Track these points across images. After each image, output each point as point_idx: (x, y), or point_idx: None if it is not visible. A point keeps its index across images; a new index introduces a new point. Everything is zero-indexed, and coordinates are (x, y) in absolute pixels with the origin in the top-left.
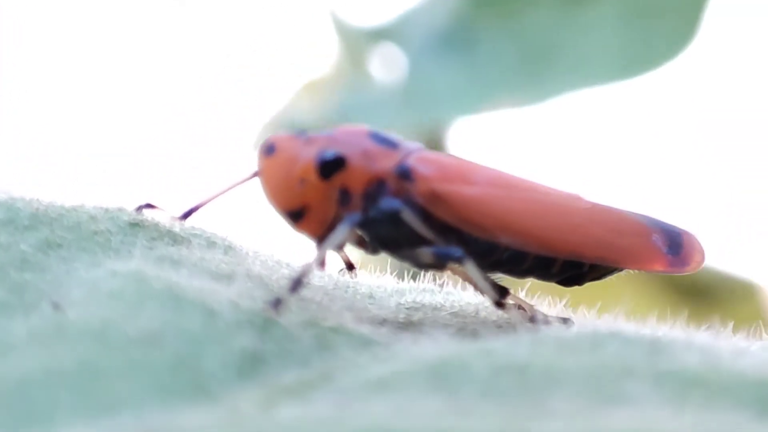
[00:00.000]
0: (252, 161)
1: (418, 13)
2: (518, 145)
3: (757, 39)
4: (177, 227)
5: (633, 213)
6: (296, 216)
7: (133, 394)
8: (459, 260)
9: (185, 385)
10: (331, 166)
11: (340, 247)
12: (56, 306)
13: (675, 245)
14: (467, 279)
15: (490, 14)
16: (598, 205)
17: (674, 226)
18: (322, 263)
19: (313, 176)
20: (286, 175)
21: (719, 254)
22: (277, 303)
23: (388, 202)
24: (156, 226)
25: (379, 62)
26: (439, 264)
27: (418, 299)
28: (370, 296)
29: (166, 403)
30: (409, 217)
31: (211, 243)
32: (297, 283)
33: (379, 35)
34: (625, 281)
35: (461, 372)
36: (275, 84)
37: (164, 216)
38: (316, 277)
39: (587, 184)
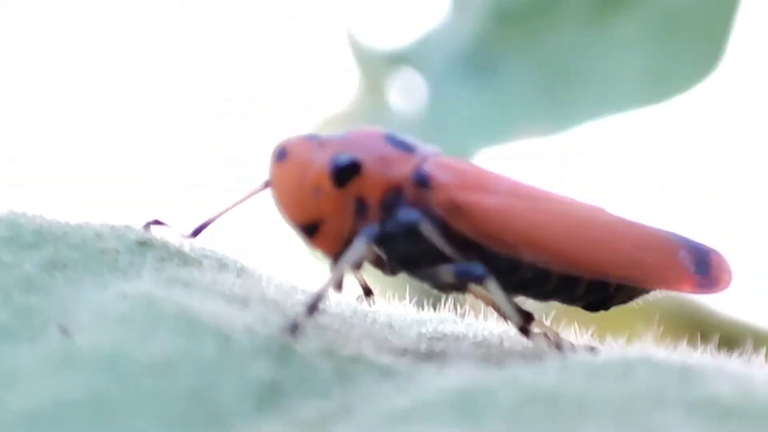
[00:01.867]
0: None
1: (438, 35)
2: (543, 177)
3: None
4: (187, 247)
5: (659, 229)
6: (311, 230)
7: (148, 427)
8: (481, 279)
9: (202, 418)
10: (346, 173)
11: (357, 267)
12: (64, 331)
13: (703, 264)
14: (490, 303)
15: (512, 36)
16: (622, 218)
17: (702, 244)
18: (339, 284)
19: (327, 184)
20: (299, 183)
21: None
22: (293, 328)
23: (405, 214)
24: (165, 245)
25: (398, 90)
26: (460, 284)
27: (439, 329)
28: (390, 325)
29: None
30: (428, 230)
31: (222, 265)
32: (314, 306)
33: (398, 60)
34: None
35: (487, 401)
36: (293, 116)
37: (173, 234)
38: (333, 304)
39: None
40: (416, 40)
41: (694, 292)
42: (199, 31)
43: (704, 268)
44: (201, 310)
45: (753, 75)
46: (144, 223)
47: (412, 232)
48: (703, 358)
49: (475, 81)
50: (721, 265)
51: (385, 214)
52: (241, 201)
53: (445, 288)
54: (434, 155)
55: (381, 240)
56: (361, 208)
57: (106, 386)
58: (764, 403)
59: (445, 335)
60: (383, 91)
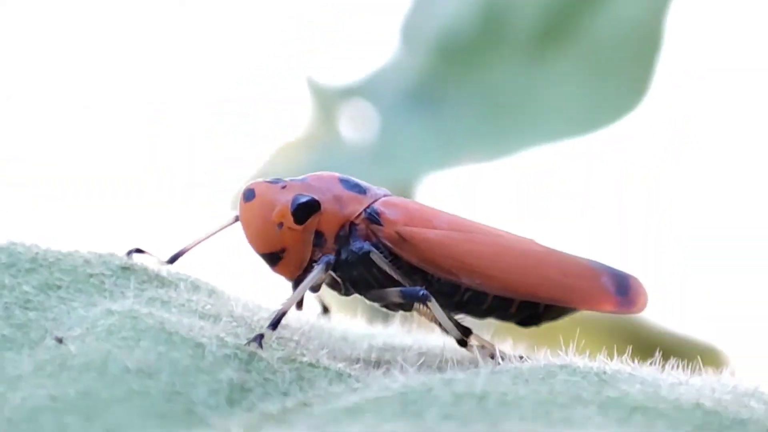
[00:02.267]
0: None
1: (387, 70)
2: (486, 201)
3: (712, 92)
4: (164, 271)
5: (583, 257)
6: (274, 258)
7: (134, 421)
8: (423, 299)
9: (181, 412)
10: (306, 211)
11: (316, 289)
12: (60, 341)
13: (622, 287)
14: (432, 319)
15: (456, 70)
16: (550, 249)
17: (621, 270)
18: (300, 303)
19: (289, 220)
20: (265, 220)
21: (681, 316)
22: (259, 338)
23: (358, 244)
24: (145, 270)
25: (350, 121)
26: (406, 304)
27: (388, 341)
28: (344, 338)
29: (164, 427)
30: (377, 258)
31: (195, 286)
32: (277, 321)
33: (350, 92)
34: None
35: (426, 398)
36: (247, 147)
37: (152, 261)
38: (294, 320)
39: (552, 236)
40: (367, 74)
41: (614, 312)
42: (198, 31)
43: (623, 291)
44: (178, 324)
45: (676, 105)
46: (127, 250)
47: (364, 259)
48: (619, 365)
49: (421, 112)
50: (638, 289)
51: (340, 245)
52: (213, 233)
53: (393, 307)
54: (384, 196)
55: (337, 266)
56: (319, 239)
57: (96, 386)
58: (667, 402)
59: (393, 347)
60: (336, 122)
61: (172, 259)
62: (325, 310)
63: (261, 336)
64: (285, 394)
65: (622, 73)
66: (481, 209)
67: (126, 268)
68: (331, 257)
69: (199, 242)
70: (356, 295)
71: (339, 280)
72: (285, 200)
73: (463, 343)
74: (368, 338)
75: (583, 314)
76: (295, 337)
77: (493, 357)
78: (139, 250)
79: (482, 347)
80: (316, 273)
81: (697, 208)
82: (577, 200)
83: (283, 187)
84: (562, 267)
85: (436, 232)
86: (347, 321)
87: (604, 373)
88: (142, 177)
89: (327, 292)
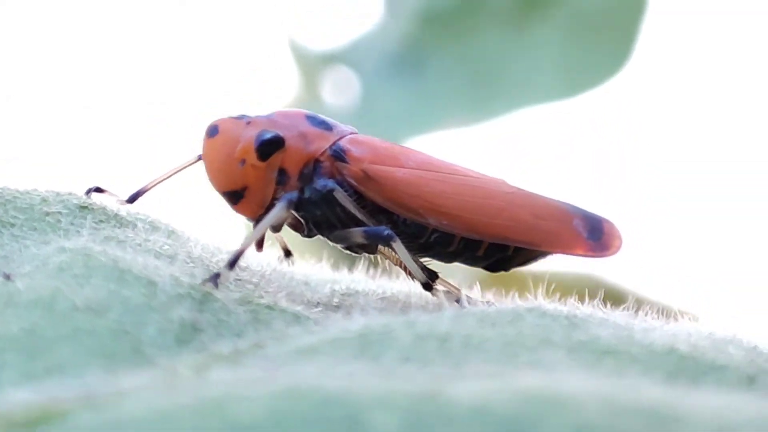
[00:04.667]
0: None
1: (370, 36)
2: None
3: (692, 55)
4: (123, 211)
5: (555, 199)
6: (235, 197)
7: (78, 360)
8: (388, 239)
9: (126, 351)
10: (270, 147)
11: (277, 229)
12: (7, 277)
13: (596, 231)
14: (398, 262)
15: (438, 36)
16: (521, 190)
17: (594, 213)
18: (260, 243)
19: (252, 157)
20: (227, 156)
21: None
22: (215, 278)
23: (322, 182)
24: (103, 209)
25: (332, 86)
26: (370, 245)
27: (351, 286)
28: (306, 282)
29: (108, 367)
30: (342, 196)
31: (154, 227)
32: (235, 260)
33: (333, 59)
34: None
35: (385, 339)
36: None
37: (112, 200)
38: (255, 263)
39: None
40: (350, 40)
41: (586, 256)
42: (197, 31)
43: (597, 234)
44: (132, 262)
45: (658, 72)
46: (86, 189)
47: (328, 198)
48: (591, 310)
49: (404, 77)
50: (612, 232)
51: (304, 183)
52: (176, 172)
53: (357, 249)
54: (351, 133)
55: (300, 205)
56: (282, 177)
57: (42, 323)
58: (641, 347)
59: (356, 291)
60: (318, 88)
61: (132, 198)
62: (288, 254)
63: (217, 275)
64: (238, 335)
65: (604, 37)
66: None
67: (84, 207)
68: (294, 194)
69: (160, 181)
70: (321, 240)
71: (302, 220)
72: (249, 136)
73: (428, 287)
74: (331, 283)
75: (552, 267)
76: (254, 280)
77: (459, 301)
78: (99, 189)
79: (448, 292)
80: (278, 211)
81: (677, 173)
82: (557, 163)
83: (248, 123)
84: (533, 208)
85: (404, 171)
86: (310, 266)
87: (575, 316)
88: (142, 177)
89: (291, 236)
